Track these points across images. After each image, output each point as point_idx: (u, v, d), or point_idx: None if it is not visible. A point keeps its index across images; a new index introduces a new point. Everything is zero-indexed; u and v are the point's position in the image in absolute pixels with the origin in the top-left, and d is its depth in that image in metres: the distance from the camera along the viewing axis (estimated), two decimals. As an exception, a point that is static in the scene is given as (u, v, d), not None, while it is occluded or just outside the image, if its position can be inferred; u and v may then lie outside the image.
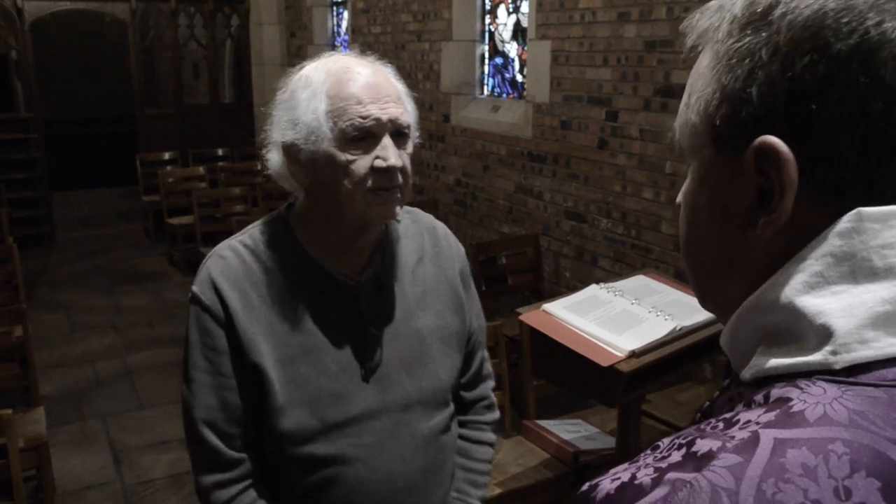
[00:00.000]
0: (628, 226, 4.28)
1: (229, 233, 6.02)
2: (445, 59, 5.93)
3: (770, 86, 0.55)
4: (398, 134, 1.31)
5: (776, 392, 0.54)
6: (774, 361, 0.57)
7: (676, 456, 0.52)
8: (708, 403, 0.68)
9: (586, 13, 4.43)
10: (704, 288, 0.68)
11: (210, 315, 1.32)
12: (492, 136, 5.43)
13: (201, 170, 7.79)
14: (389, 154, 1.28)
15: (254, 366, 1.32)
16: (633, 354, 2.23)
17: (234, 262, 1.36)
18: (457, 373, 1.51)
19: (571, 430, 3.14)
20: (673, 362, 2.39)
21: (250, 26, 9.22)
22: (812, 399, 0.51)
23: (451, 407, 1.52)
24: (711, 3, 0.64)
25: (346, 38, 7.92)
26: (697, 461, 0.50)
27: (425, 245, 1.51)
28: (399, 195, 1.32)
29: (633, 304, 2.48)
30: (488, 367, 1.66)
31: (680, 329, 2.38)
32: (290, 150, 1.31)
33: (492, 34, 5.79)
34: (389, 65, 1.38)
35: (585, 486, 0.58)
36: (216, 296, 1.32)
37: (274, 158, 1.36)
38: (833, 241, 0.55)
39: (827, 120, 0.53)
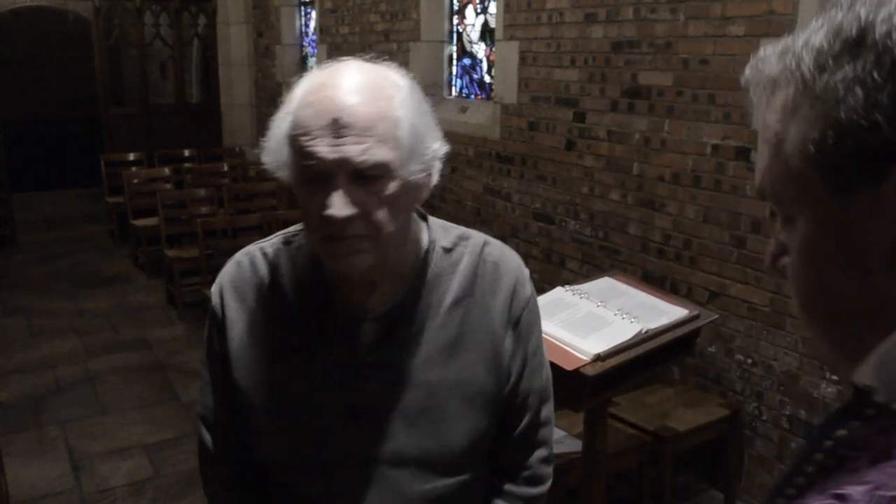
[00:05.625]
0: (596, 227, 4.27)
1: (195, 235, 6.00)
2: (414, 60, 5.88)
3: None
4: (362, 176, 1.07)
5: None
6: None
7: None
8: (846, 433, 0.64)
9: (553, 14, 4.42)
10: (843, 341, 0.63)
11: (214, 318, 1.29)
12: (460, 138, 5.40)
13: (167, 171, 7.67)
14: (333, 203, 1.05)
15: (234, 383, 1.26)
16: (599, 358, 2.21)
17: (246, 271, 1.27)
18: (479, 437, 1.27)
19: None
20: (640, 365, 2.37)
21: (217, 26, 9.11)
22: None
23: (468, 477, 1.28)
24: (764, 51, 0.61)
25: (315, 38, 7.85)
26: None
27: (475, 283, 1.26)
28: (367, 243, 1.10)
29: (598, 306, 2.46)
30: (543, 435, 1.37)
31: (646, 332, 2.36)
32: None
33: (460, 35, 5.76)
34: (407, 76, 1.16)
35: None
36: (220, 302, 1.27)
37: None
38: None
39: None
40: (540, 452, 1.37)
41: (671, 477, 3.30)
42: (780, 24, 3.17)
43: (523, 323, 1.29)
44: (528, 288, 1.32)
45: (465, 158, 5.36)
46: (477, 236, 1.32)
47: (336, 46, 7.04)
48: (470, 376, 1.24)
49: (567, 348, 2.21)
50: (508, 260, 1.31)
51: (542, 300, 2.49)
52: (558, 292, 2.53)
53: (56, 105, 12.93)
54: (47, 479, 3.79)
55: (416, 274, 1.24)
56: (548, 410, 1.37)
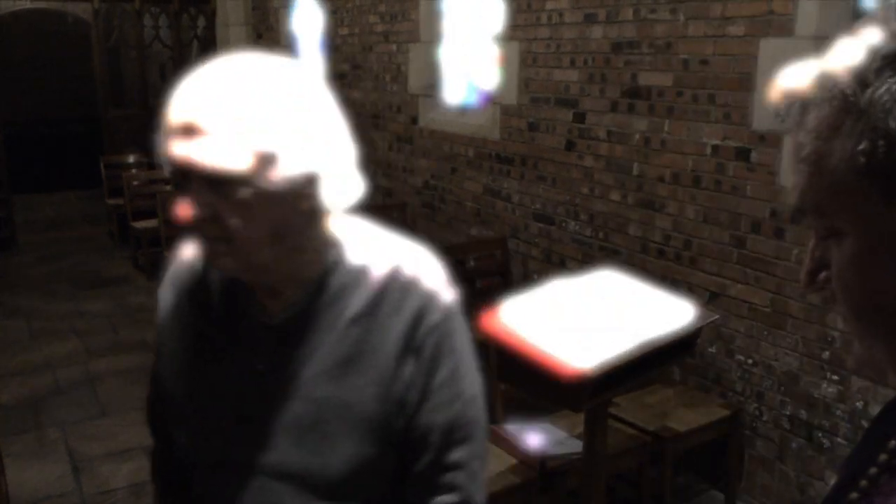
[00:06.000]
0: (596, 228, 4.27)
1: (194, 236, 6.01)
2: (413, 61, 5.88)
3: None
4: (212, 179, 1.02)
5: None
6: None
7: None
8: None
9: (553, 14, 4.42)
10: None
11: (157, 308, 1.32)
12: (460, 138, 5.40)
13: (167, 172, 7.65)
14: (178, 203, 1.04)
15: (157, 372, 1.32)
16: (598, 359, 2.21)
17: (184, 265, 1.29)
18: (363, 466, 1.16)
19: (539, 435, 3.11)
20: (640, 366, 2.37)
21: (217, 27, 9.11)
22: None
23: None
24: (794, 71, 0.63)
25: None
26: None
27: (382, 302, 1.16)
28: (222, 247, 1.06)
29: (598, 305, 2.45)
30: (454, 479, 1.20)
31: (647, 334, 2.36)
32: None
33: (460, 36, 5.75)
34: (302, 78, 1.06)
35: None
36: (161, 292, 1.32)
37: None
38: None
39: None
40: (445, 498, 1.20)
41: (671, 477, 3.30)
42: (780, 24, 3.17)
43: (428, 351, 1.16)
44: (440, 314, 1.18)
45: (464, 159, 5.36)
46: (397, 250, 1.22)
47: (335, 48, 7.04)
48: (358, 399, 1.15)
49: (566, 349, 2.21)
50: (422, 280, 1.19)
51: (541, 297, 2.49)
52: (557, 289, 2.53)
53: (56, 105, 12.89)
54: (48, 481, 3.79)
55: (317, 284, 1.16)
56: (462, 453, 1.20)
